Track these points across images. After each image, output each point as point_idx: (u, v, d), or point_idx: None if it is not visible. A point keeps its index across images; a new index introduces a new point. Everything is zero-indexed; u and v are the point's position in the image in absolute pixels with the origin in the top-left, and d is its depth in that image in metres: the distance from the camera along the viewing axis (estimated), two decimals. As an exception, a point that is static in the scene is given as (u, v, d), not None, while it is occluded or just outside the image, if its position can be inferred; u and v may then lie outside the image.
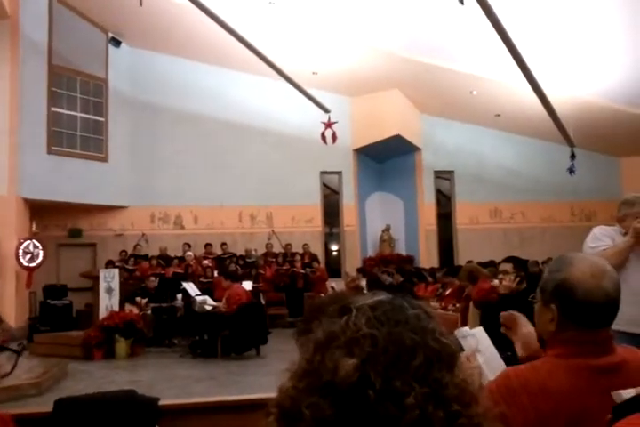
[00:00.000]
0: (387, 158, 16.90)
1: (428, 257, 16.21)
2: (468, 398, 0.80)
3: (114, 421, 3.04)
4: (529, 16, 11.60)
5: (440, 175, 16.97)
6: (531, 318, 1.67)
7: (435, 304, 8.93)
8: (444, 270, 11.02)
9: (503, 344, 2.12)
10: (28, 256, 12.29)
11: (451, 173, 16.84)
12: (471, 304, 5.66)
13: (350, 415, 0.75)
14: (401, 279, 11.78)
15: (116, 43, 14.79)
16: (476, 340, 2.34)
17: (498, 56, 11.80)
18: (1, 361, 1.84)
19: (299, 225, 15.62)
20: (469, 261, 11.53)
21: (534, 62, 11.16)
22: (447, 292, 9.26)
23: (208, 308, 10.50)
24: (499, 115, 15.72)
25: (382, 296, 0.87)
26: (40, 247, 12.53)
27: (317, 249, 15.58)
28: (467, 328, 2.51)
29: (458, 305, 7.44)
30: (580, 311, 1.52)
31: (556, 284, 1.57)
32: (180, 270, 13.28)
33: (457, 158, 16.48)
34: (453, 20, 11.72)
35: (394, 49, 13.54)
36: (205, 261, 13.69)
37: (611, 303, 1.53)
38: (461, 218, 16.62)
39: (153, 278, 12.58)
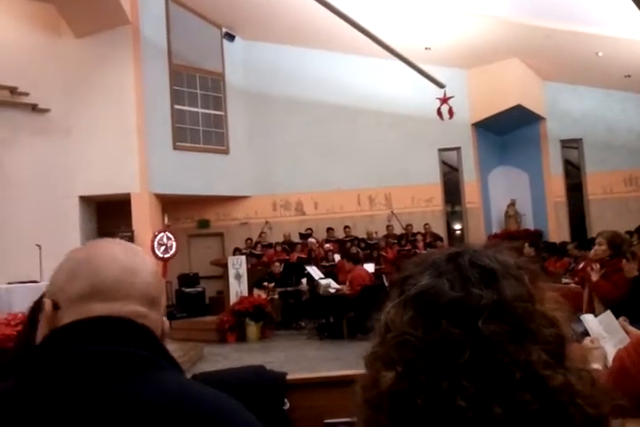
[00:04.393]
0: (508, 131, 16.18)
1: (557, 231, 15.38)
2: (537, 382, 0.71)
3: (246, 394, 3.13)
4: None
5: (567, 144, 15.98)
6: None
7: (567, 280, 8.47)
8: (575, 244, 10.42)
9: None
10: (163, 248, 13.02)
11: (579, 141, 15.82)
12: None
13: (406, 424, 0.72)
14: (532, 254, 11.24)
15: (230, 37, 15.21)
16: (600, 325, 2.36)
17: (623, 11, 10.89)
18: None
19: (419, 205, 15.36)
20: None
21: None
22: (580, 266, 8.72)
23: (332, 291, 10.63)
24: (629, 75, 14.52)
25: (429, 279, 0.80)
26: (173, 239, 13.23)
27: (439, 229, 15.26)
28: (591, 316, 2.51)
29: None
30: None
31: None
32: (303, 255, 13.53)
33: (585, 125, 15.43)
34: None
35: (507, 15, 12.88)
36: (327, 245, 13.86)
37: None
38: (593, 188, 15.58)
39: (278, 264, 12.94)
